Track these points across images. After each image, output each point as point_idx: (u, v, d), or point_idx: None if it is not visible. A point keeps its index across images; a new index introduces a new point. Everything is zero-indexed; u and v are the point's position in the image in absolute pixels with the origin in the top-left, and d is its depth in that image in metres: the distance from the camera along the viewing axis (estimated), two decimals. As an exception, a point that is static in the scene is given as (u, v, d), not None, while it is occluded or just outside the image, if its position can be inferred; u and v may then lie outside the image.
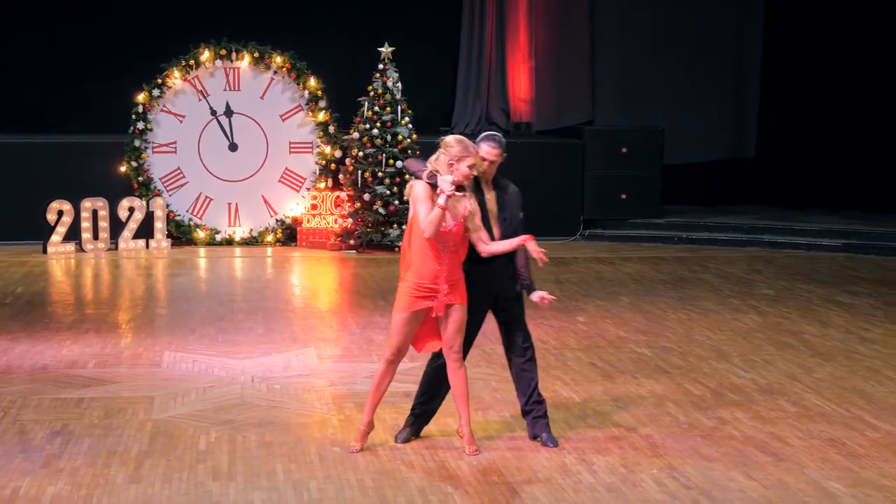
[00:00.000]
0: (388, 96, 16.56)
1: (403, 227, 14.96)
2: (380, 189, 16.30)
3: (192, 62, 17.16)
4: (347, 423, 8.51)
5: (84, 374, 9.89)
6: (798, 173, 18.88)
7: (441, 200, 7.57)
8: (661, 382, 9.74)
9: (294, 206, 17.34)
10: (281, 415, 8.79)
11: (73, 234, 16.26)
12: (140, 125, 17.04)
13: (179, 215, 17.15)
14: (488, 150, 7.82)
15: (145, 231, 16.67)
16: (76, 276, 15.04)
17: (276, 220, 17.34)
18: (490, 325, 8.19)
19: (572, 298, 13.26)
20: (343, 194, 16.75)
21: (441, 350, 7.88)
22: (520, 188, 8.14)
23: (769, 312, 12.56)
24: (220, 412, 8.82)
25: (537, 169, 17.67)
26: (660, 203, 18.10)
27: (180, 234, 17.10)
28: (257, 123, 17.37)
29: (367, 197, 16.35)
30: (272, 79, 17.36)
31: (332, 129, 17.21)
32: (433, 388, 8.11)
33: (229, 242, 17.24)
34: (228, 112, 17.34)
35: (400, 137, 16.46)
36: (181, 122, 17.25)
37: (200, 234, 17.17)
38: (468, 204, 7.70)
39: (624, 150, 17.93)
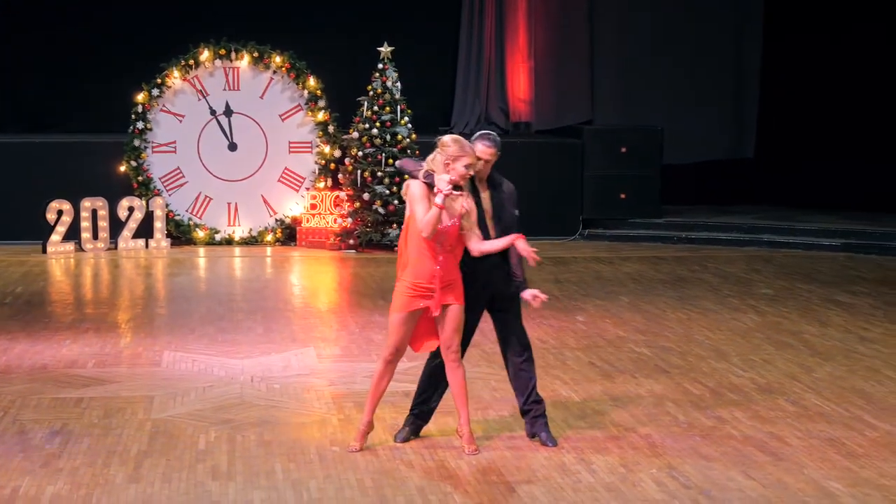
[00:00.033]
0: (387, 96, 16.56)
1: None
2: (379, 188, 16.31)
3: (191, 62, 17.16)
4: (347, 422, 8.52)
5: (83, 373, 9.89)
6: (797, 175, 18.90)
7: (438, 199, 7.58)
8: (661, 382, 9.74)
9: (293, 205, 17.35)
10: (280, 414, 8.79)
11: (72, 234, 16.26)
12: (140, 125, 17.05)
13: (179, 215, 17.15)
14: (483, 148, 7.84)
15: (145, 231, 16.68)
16: (76, 275, 15.04)
17: (276, 220, 17.34)
18: (490, 324, 8.19)
19: (572, 298, 13.27)
20: (342, 194, 16.75)
21: (439, 349, 7.89)
22: (519, 188, 8.15)
23: (768, 312, 12.57)
24: (219, 412, 8.82)
25: (536, 169, 17.69)
26: (659, 203, 18.11)
27: (180, 234, 17.11)
28: (257, 123, 17.38)
29: (366, 196, 16.35)
30: (271, 78, 17.37)
31: (331, 128, 17.21)
32: (432, 388, 8.12)
33: (229, 242, 17.25)
34: (228, 112, 17.34)
35: (399, 137, 16.47)
36: (181, 121, 17.26)
37: (200, 234, 17.18)
38: (465, 202, 7.71)
39: (623, 149, 17.93)
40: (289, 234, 17.27)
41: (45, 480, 7.32)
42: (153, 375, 9.89)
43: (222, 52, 17.18)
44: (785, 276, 14.77)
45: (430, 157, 7.74)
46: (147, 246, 16.66)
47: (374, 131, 16.43)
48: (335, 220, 16.79)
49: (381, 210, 16.28)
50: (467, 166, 7.66)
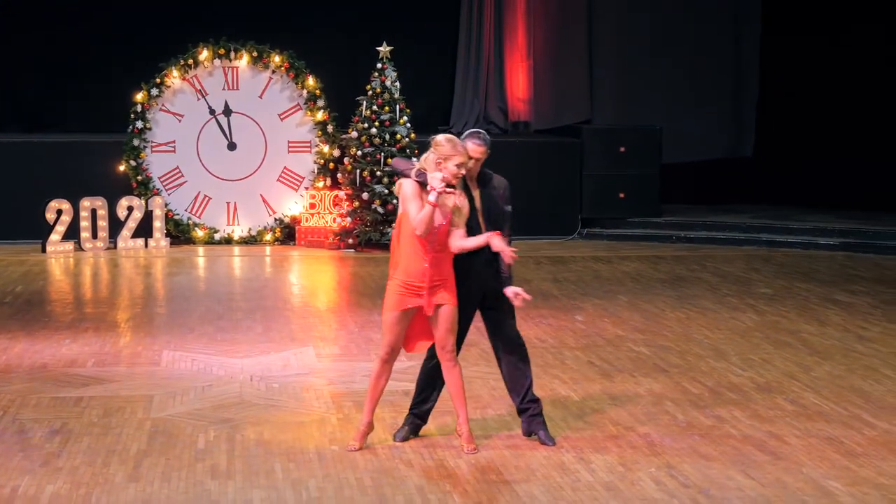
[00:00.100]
0: (386, 95, 16.57)
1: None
2: (378, 188, 16.31)
3: (190, 61, 17.17)
4: (346, 421, 8.52)
5: (83, 372, 9.90)
6: (796, 174, 18.90)
7: (432, 197, 7.61)
8: (660, 381, 9.75)
9: (292, 205, 17.36)
10: (280, 414, 8.80)
11: (72, 233, 16.27)
12: (139, 124, 17.06)
13: (178, 214, 17.16)
14: (473, 147, 7.86)
15: (144, 230, 16.69)
16: (75, 275, 15.05)
17: (275, 219, 17.35)
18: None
19: (570, 297, 13.27)
20: (341, 193, 16.76)
21: (434, 349, 7.91)
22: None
23: (767, 311, 12.58)
24: (218, 411, 8.83)
25: (536, 168, 17.71)
26: (658, 202, 18.12)
27: (179, 233, 17.12)
28: (256, 123, 17.39)
29: (365, 196, 16.36)
30: (271, 78, 17.38)
31: (330, 128, 17.22)
32: (430, 388, 8.12)
33: (228, 241, 17.25)
34: (227, 111, 17.35)
35: (398, 136, 16.48)
36: (180, 121, 17.27)
37: (199, 233, 17.19)
38: (457, 200, 7.73)
39: (622, 149, 17.94)
40: (288, 233, 17.28)
41: (44, 479, 7.33)
42: (152, 375, 9.90)
43: (221, 51, 17.19)
44: (783, 276, 14.78)
45: (424, 156, 7.79)
46: (146, 245, 16.67)
47: (373, 131, 16.44)
48: (334, 219, 16.79)
49: (380, 209, 16.29)
50: (459, 165, 7.68)
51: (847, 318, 12.27)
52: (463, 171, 7.73)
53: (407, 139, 16.49)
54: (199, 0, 18.42)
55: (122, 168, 17.06)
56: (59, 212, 16.18)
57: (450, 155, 7.67)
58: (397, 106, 16.56)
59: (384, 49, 16.59)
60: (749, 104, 19.57)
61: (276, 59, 17.23)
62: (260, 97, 17.39)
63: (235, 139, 17.39)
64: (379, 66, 16.62)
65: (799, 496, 7.17)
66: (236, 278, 15.25)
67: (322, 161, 17.23)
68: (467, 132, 7.99)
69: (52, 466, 7.57)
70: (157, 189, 17.09)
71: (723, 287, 13.97)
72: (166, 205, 16.94)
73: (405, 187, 7.74)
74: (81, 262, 15.77)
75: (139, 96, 17.04)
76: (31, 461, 7.66)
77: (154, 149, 17.20)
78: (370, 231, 16.34)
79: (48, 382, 9.56)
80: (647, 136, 18.05)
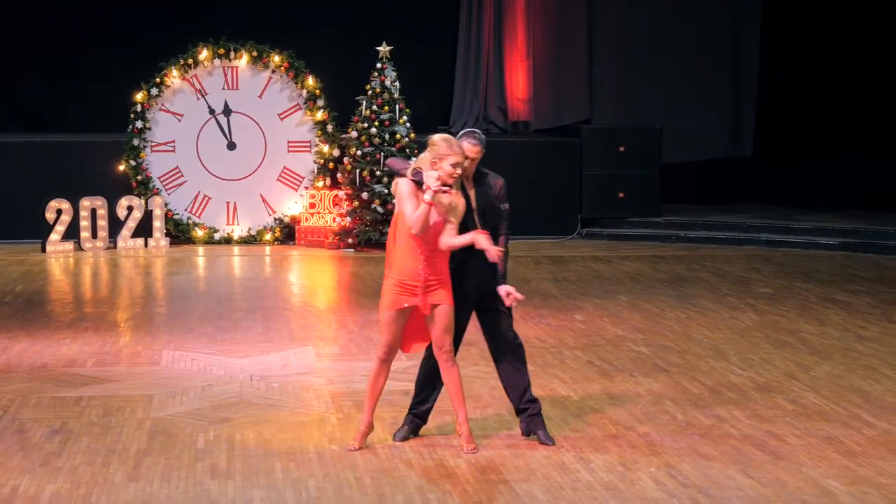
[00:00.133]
0: (386, 95, 16.57)
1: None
2: (378, 188, 16.31)
3: (190, 61, 17.17)
4: (346, 421, 8.53)
5: (83, 372, 9.90)
6: (796, 174, 18.90)
7: (428, 196, 7.62)
8: (659, 381, 9.75)
9: (292, 204, 17.36)
10: (279, 413, 8.80)
11: (71, 233, 16.27)
12: (139, 124, 17.06)
13: (178, 214, 17.16)
14: (469, 146, 7.87)
15: (144, 230, 16.69)
16: (75, 274, 15.05)
17: (275, 219, 17.35)
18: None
19: (570, 297, 13.27)
20: (341, 193, 16.76)
21: (431, 349, 7.92)
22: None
23: (767, 311, 12.58)
24: (218, 411, 8.83)
25: (535, 167, 17.71)
26: (658, 202, 18.11)
27: (179, 233, 17.11)
28: (255, 122, 17.39)
29: (365, 195, 16.36)
30: (270, 78, 17.38)
31: (330, 127, 17.22)
32: (429, 388, 8.12)
33: (228, 241, 17.25)
34: (227, 111, 17.35)
35: (398, 136, 16.48)
36: (179, 120, 17.27)
37: (199, 233, 17.19)
38: (453, 199, 7.74)
39: (622, 148, 17.94)
40: (287, 233, 17.28)
41: (44, 479, 7.33)
42: (152, 374, 9.90)
43: (221, 51, 17.19)
44: (783, 275, 14.78)
45: (421, 155, 7.81)
46: (146, 245, 16.67)
47: (373, 130, 16.44)
48: (334, 219, 16.79)
49: (379, 209, 16.29)
50: (454, 165, 7.69)
51: (847, 317, 12.27)
52: (459, 171, 7.74)
53: (406, 139, 16.50)
54: (199, 0, 18.42)
55: (121, 168, 17.06)
56: (59, 211, 16.19)
57: (445, 154, 7.69)
58: (397, 106, 16.56)
59: (384, 49, 16.59)
60: (749, 103, 19.57)
61: (276, 58, 17.22)
62: (260, 97, 17.39)
63: (235, 139, 17.39)
64: (379, 65, 16.62)
65: (798, 496, 7.17)
66: (236, 278, 15.25)
67: (322, 161, 17.23)
68: (462, 132, 8.01)
69: (52, 466, 7.57)
70: (157, 189, 17.09)
71: (722, 287, 13.97)
72: (166, 204, 16.94)
73: (401, 186, 7.76)
74: (81, 261, 15.77)
75: (139, 96, 17.03)
76: (30, 461, 7.67)
77: (154, 148, 17.20)
78: (370, 231, 16.34)
79: (48, 382, 9.56)
80: (646, 135, 18.05)
